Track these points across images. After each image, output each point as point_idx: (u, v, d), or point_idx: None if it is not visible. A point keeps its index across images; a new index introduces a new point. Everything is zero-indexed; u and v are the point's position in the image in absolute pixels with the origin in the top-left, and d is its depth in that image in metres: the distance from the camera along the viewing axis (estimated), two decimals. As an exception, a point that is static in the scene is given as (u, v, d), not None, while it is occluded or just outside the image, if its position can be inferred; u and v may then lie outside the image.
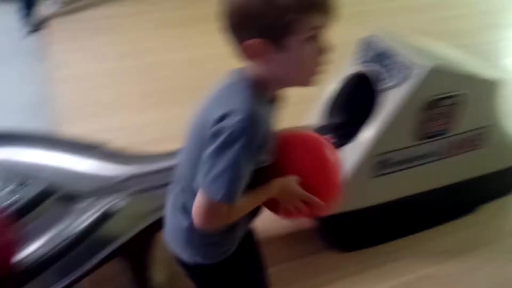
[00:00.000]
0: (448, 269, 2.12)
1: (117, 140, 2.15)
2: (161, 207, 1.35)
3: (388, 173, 2.00)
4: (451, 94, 1.89)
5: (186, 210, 1.19)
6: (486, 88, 2.03)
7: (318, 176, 1.22)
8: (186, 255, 1.26)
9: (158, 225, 1.44)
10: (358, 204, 2.03)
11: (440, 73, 1.82)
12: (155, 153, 2.00)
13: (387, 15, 4.68)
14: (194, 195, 1.09)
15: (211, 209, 1.06)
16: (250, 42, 1.03)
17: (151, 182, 1.80)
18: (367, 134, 1.92)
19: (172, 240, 1.30)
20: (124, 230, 1.65)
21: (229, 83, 1.12)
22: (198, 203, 1.08)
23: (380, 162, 1.95)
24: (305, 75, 1.09)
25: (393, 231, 2.22)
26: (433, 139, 1.99)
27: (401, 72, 1.84)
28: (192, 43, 4.17)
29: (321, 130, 2.11)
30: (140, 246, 1.74)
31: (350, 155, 1.94)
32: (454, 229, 2.33)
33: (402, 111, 1.84)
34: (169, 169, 1.41)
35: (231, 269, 1.30)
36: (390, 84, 1.88)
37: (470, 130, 2.06)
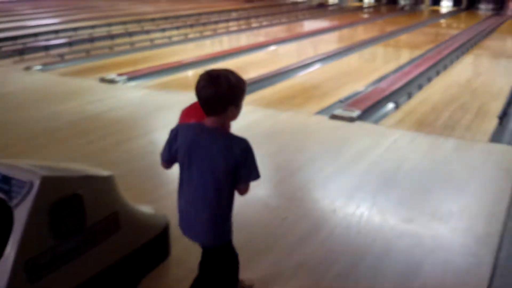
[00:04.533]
0: None
1: None
2: None
3: (45, 275, 2.28)
4: (69, 195, 2.35)
5: (217, 211, 2.35)
6: (100, 183, 2.59)
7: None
8: (218, 239, 2.42)
9: None
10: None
11: (51, 180, 2.28)
12: None
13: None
14: (220, 198, 2.33)
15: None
16: (231, 108, 2.25)
17: None
18: (10, 247, 2.18)
19: (206, 236, 2.40)
20: None
21: (213, 134, 2.28)
22: (247, 187, 2.35)
23: (30, 268, 2.22)
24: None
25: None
26: (71, 236, 2.38)
27: (22, 188, 2.21)
28: None
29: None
30: None
31: (1, 271, 2.16)
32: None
33: (32, 219, 2.19)
34: None
35: (232, 246, 2.55)
36: (17, 200, 2.22)
37: (100, 221, 2.55)
